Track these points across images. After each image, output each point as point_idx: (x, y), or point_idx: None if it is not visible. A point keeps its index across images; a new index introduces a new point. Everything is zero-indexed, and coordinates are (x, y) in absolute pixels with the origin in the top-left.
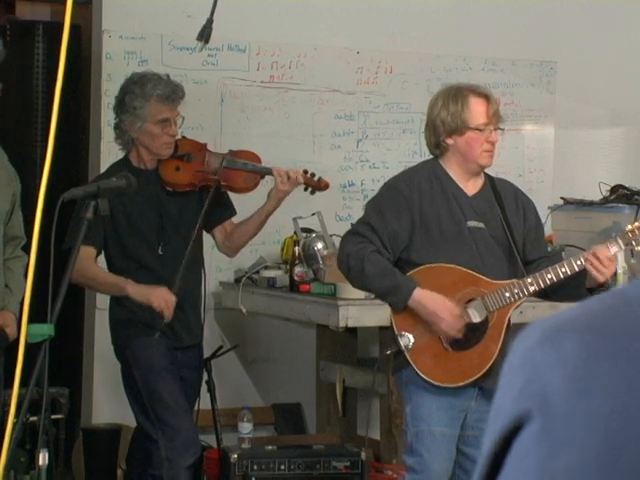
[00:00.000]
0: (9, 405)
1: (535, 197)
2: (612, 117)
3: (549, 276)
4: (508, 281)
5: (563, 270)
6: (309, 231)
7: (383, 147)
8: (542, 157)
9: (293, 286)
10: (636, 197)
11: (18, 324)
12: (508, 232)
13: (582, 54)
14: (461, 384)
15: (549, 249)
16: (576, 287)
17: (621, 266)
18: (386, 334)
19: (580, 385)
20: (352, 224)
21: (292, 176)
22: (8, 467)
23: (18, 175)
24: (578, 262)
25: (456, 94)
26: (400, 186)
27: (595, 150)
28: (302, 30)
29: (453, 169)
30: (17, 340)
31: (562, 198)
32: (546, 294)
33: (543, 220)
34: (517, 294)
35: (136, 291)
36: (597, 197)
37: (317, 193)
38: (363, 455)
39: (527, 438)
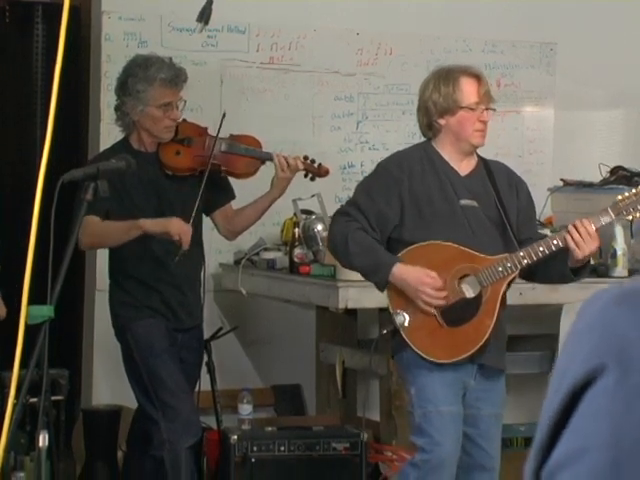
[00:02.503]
0: (9, 387)
1: (535, 179)
2: (612, 98)
3: (541, 248)
4: (501, 255)
5: (555, 242)
6: (309, 213)
7: (383, 129)
8: (542, 138)
9: (293, 268)
10: (636, 178)
11: (10, 305)
12: (502, 211)
13: (582, 36)
14: (457, 359)
15: (548, 232)
16: (560, 267)
17: (621, 247)
18: (385, 315)
19: None
20: (342, 205)
21: (292, 163)
22: (8, 448)
23: (18, 156)
24: (569, 236)
25: (447, 76)
26: (390, 167)
27: (595, 131)
28: (302, 11)
29: (446, 150)
30: (17, 322)
31: (562, 180)
32: (531, 274)
33: (543, 202)
34: (510, 267)
35: (151, 224)
36: (597, 178)
37: (317, 178)
38: (363, 436)
39: (602, 390)
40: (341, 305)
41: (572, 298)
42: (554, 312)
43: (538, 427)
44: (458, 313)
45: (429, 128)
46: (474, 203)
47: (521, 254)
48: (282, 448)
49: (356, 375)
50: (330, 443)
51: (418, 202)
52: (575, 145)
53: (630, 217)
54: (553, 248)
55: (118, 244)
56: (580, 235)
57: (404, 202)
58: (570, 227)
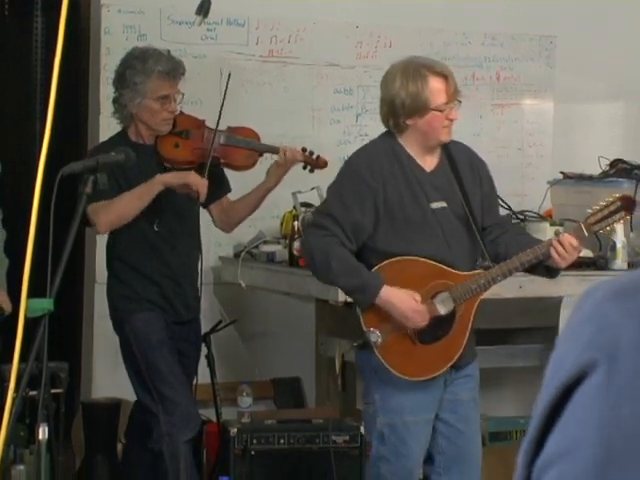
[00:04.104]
0: (9, 380)
1: (534, 171)
2: (612, 91)
3: (515, 266)
4: (475, 272)
5: (528, 259)
6: (308, 205)
7: None
8: (541, 131)
9: (292, 261)
10: (636, 171)
11: (12, 298)
12: (467, 208)
13: (582, 28)
14: (430, 377)
15: (548, 225)
16: (539, 270)
17: (620, 240)
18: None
19: None
20: (313, 212)
21: (289, 155)
22: (8, 442)
23: (17, 149)
24: (543, 250)
25: (414, 73)
26: (362, 172)
27: (595, 124)
28: (301, 4)
29: (412, 146)
30: (17, 315)
31: (561, 172)
32: None
33: (542, 195)
34: (483, 285)
35: (171, 176)
36: (596, 171)
37: (316, 170)
38: (362, 429)
39: (592, 386)
40: (341, 298)
41: (572, 291)
42: (554, 305)
43: (531, 420)
44: (431, 331)
45: (395, 126)
46: (443, 204)
47: (494, 271)
48: (282, 441)
49: (355, 368)
50: (330, 436)
51: (391, 209)
52: (575, 138)
53: (601, 231)
54: (526, 265)
55: (139, 209)
56: (565, 249)
57: (379, 211)
58: (554, 242)
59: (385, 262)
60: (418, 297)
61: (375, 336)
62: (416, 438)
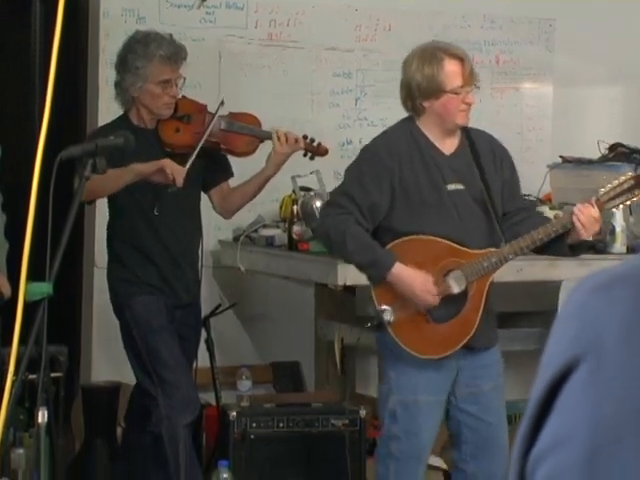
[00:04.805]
0: (8, 363)
1: (533, 155)
2: (611, 75)
3: (526, 243)
4: (486, 250)
5: (540, 237)
6: (308, 189)
7: (381, 105)
8: (541, 115)
9: (292, 244)
10: (635, 155)
11: (11, 282)
12: (485, 192)
13: (581, 12)
14: (444, 355)
15: (547, 209)
16: (558, 247)
17: (620, 224)
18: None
19: (634, 331)
20: (331, 193)
21: (291, 139)
22: (7, 425)
23: (17, 133)
24: (554, 229)
25: (431, 56)
26: (380, 153)
27: (594, 108)
28: None
29: (430, 129)
30: (16, 298)
31: (561, 156)
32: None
33: (541, 179)
34: (495, 263)
35: (144, 166)
36: (596, 155)
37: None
38: (362, 413)
39: (578, 381)
40: (340, 282)
41: (571, 275)
42: (553, 289)
43: (524, 414)
44: (444, 309)
45: (413, 109)
46: (460, 186)
47: (506, 249)
48: (281, 424)
49: (355, 352)
50: (329, 419)
51: (407, 190)
52: (574, 122)
53: (614, 209)
54: (537, 243)
55: (114, 190)
56: (585, 217)
57: (395, 191)
58: (576, 210)
59: (398, 240)
60: (430, 277)
61: (388, 314)
62: (427, 418)
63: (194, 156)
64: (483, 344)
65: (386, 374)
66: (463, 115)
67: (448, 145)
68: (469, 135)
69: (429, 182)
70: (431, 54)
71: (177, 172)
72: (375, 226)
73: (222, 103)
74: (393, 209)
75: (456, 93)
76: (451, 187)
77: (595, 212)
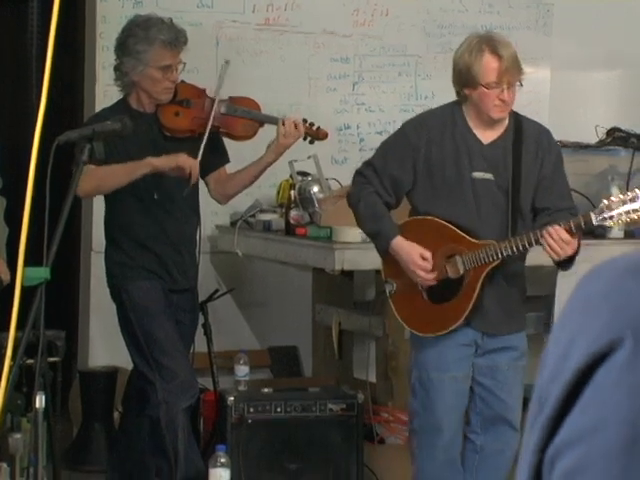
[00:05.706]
0: (6, 348)
1: None
2: (608, 59)
3: (523, 243)
4: (487, 242)
5: (535, 239)
6: (305, 174)
7: (379, 90)
8: (538, 100)
9: (289, 229)
10: (632, 140)
11: (10, 267)
12: (512, 181)
13: None
14: (432, 335)
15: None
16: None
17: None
18: (382, 277)
19: None
20: (363, 162)
21: (300, 128)
22: (5, 410)
23: (14, 117)
24: (522, 243)
25: (475, 47)
26: (409, 131)
27: (591, 93)
28: None
29: (471, 116)
30: (13, 283)
31: (558, 141)
32: None
33: None
34: (491, 255)
35: (160, 160)
36: (593, 140)
37: (316, 141)
38: (359, 397)
39: (617, 364)
40: (337, 267)
41: None
42: (550, 273)
43: (535, 401)
44: (441, 291)
45: (457, 92)
46: (488, 175)
47: (504, 244)
48: (278, 409)
49: (352, 336)
50: (326, 404)
51: (431, 169)
52: (571, 106)
53: (610, 224)
54: (534, 244)
55: (120, 185)
56: (555, 242)
57: (417, 170)
58: (544, 233)
59: (410, 218)
60: (428, 254)
61: (390, 286)
62: (440, 394)
63: (203, 147)
64: (495, 330)
65: (411, 352)
66: (497, 110)
67: (488, 134)
68: (519, 123)
69: (454, 166)
70: (477, 44)
71: (194, 167)
72: (400, 199)
73: (227, 62)
74: (415, 187)
75: (489, 88)
76: (478, 175)
77: (566, 236)
